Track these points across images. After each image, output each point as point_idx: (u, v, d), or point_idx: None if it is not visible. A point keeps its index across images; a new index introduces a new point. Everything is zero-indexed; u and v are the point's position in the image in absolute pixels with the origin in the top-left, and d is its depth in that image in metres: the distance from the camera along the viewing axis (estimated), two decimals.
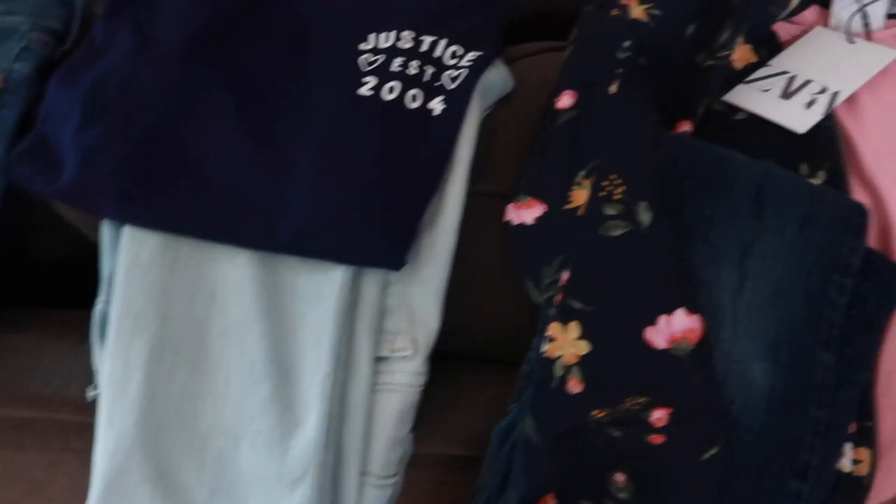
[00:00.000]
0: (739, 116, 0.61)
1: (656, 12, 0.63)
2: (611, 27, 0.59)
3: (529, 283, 0.54)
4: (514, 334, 0.58)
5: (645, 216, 0.50)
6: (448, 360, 0.58)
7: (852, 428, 0.52)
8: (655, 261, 0.49)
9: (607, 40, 0.57)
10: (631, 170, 0.50)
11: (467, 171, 0.56)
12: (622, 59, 0.55)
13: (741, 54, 0.64)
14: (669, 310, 0.48)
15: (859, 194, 0.57)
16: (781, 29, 0.67)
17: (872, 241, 0.56)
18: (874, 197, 0.57)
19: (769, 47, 0.65)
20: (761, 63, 0.64)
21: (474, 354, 0.64)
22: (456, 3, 0.64)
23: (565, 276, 0.51)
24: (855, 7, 0.64)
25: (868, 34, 0.64)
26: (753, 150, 0.59)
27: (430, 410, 0.57)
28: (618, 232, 0.50)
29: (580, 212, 0.52)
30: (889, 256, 0.54)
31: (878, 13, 0.65)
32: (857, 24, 0.66)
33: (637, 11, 0.63)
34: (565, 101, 0.57)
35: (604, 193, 0.51)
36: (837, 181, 0.57)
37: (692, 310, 0.48)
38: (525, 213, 0.55)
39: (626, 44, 0.56)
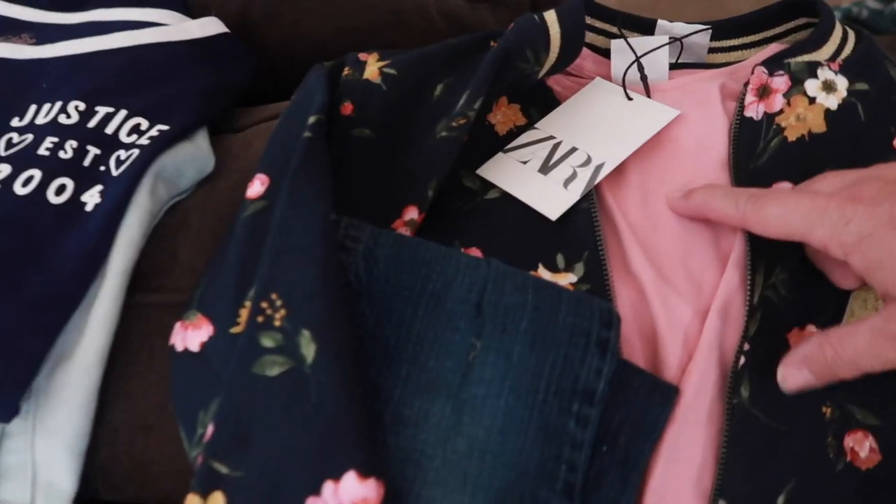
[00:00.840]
0: (491, 195, 0.50)
1: (391, 71, 0.52)
2: (314, 93, 0.48)
3: (182, 435, 0.42)
4: None
5: (308, 350, 0.38)
6: None
7: None
8: (320, 409, 0.38)
9: (305, 109, 0.46)
10: (294, 287, 0.39)
11: (122, 282, 0.44)
12: (305, 137, 0.44)
13: (506, 116, 0.54)
14: (337, 474, 0.37)
15: (622, 291, 0.46)
16: (559, 83, 0.57)
17: (633, 351, 0.45)
18: (638, 294, 0.47)
19: (541, 106, 0.55)
20: (529, 126, 0.54)
21: None
22: (150, 65, 0.52)
23: (210, 429, 0.39)
24: (632, 57, 0.54)
25: (647, 88, 0.54)
26: (503, 238, 0.49)
27: None
28: (275, 371, 0.39)
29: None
30: (651, 372, 0.44)
31: (659, 63, 0.55)
32: (648, 75, 0.56)
33: (371, 70, 0.53)
34: (255, 188, 0.45)
35: (262, 318, 0.39)
36: (596, 277, 0.46)
37: (366, 472, 0.37)
38: (192, 335, 0.43)
39: (312, 119, 0.45)
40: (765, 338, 0.45)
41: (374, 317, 0.41)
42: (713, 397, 0.44)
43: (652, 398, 0.43)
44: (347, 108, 0.50)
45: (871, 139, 0.50)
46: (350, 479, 0.37)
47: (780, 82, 0.51)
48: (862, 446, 0.43)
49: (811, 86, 0.51)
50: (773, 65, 0.52)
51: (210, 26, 0.59)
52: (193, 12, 0.63)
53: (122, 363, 0.45)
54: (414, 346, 0.42)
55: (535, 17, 0.53)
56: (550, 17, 0.53)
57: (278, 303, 0.39)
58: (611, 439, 0.42)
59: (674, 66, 0.57)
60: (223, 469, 0.38)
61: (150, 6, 0.59)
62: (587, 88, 0.55)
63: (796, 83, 0.51)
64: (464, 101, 0.49)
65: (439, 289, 0.42)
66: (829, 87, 0.51)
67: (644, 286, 0.46)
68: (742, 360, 0.44)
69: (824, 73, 0.51)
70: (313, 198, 0.40)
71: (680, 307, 0.46)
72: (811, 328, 0.45)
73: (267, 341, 0.39)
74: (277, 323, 0.39)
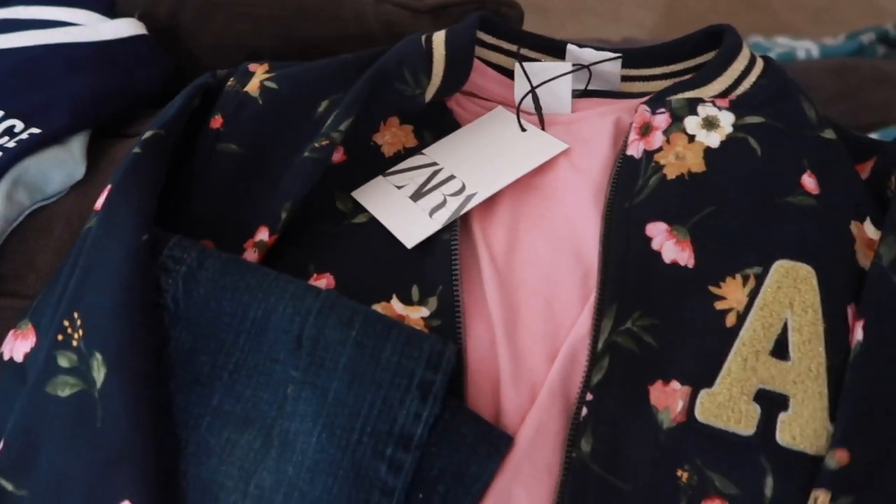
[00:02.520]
0: (360, 219, 0.48)
1: (272, 85, 0.51)
2: (172, 106, 0.47)
3: None
4: None
5: (98, 373, 0.37)
6: None
7: None
8: (103, 435, 0.37)
9: (155, 122, 0.45)
10: (93, 308, 0.38)
11: None
12: (133, 153, 0.43)
13: (395, 137, 0.52)
14: (114, 503, 0.36)
15: (475, 330, 0.44)
16: (461, 105, 0.54)
17: (479, 395, 0.43)
18: (490, 333, 0.44)
19: (437, 129, 0.53)
20: (420, 148, 0.52)
21: None
22: (43, 67, 0.52)
23: (1, 444, 0.38)
24: (529, 86, 0.52)
25: (541, 119, 0.52)
26: (361, 266, 0.47)
27: None
28: (66, 392, 0.38)
29: None
30: (488, 421, 0.41)
31: (560, 92, 0.52)
32: (549, 104, 0.54)
33: (253, 83, 0.51)
34: (102, 199, 0.45)
35: (62, 337, 0.38)
36: (447, 313, 0.44)
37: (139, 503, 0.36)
38: (20, 344, 0.42)
39: (148, 134, 0.44)
40: (614, 388, 0.42)
41: (190, 342, 0.40)
42: (553, 448, 0.42)
43: (478, 448, 0.41)
44: (217, 121, 0.49)
45: (772, 174, 0.46)
46: None
47: (661, 120, 0.48)
48: None
49: (690, 123, 0.48)
50: (656, 102, 0.50)
51: (125, 28, 0.58)
52: (123, 13, 0.63)
53: None
54: (230, 374, 0.41)
55: (422, 37, 0.51)
56: (438, 38, 0.51)
57: (79, 322, 0.38)
58: (427, 488, 0.40)
59: (585, 94, 0.55)
60: (9, 486, 0.38)
61: (71, 5, 0.59)
62: (486, 117, 0.53)
63: (676, 120, 0.48)
64: (331, 121, 0.47)
65: (261, 317, 0.41)
66: (710, 123, 0.48)
67: (495, 326, 0.44)
68: (584, 410, 0.42)
69: (705, 110, 0.49)
70: (126, 216, 0.39)
71: (532, 350, 0.44)
72: (675, 384, 0.42)
73: (63, 361, 0.38)
74: (75, 343, 0.38)
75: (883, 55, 1.05)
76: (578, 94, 0.54)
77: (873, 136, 0.71)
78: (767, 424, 0.40)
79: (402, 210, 0.48)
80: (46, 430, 0.37)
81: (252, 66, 0.53)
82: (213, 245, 0.45)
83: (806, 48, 1.08)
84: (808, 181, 0.46)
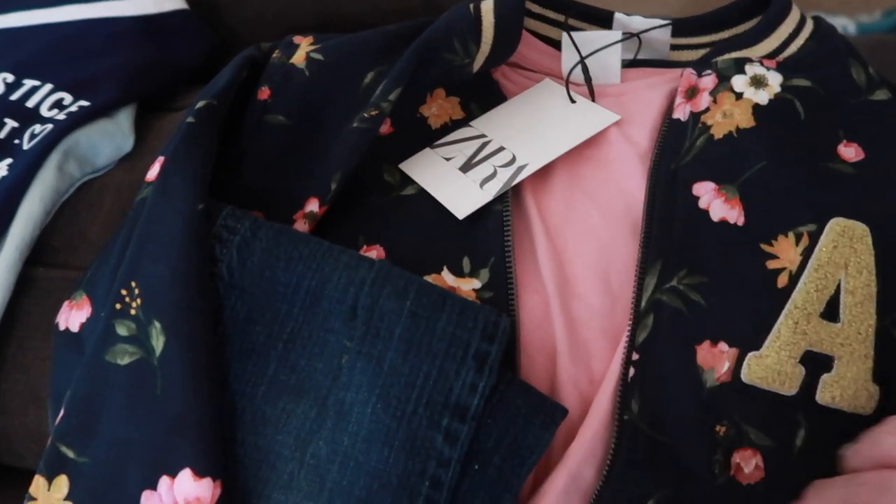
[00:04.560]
0: (408, 191, 0.48)
1: (318, 56, 0.50)
2: (222, 76, 0.47)
3: (49, 413, 0.42)
4: None
5: (157, 342, 0.37)
6: None
7: None
8: (163, 403, 0.37)
9: (205, 92, 0.45)
10: (151, 277, 0.38)
11: (19, 255, 0.44)
12: (187, 122, 0.42)
13: (442, 109, 0.51)
14: (173, 470, 0.36)
15: (529, 302, 0.43)
16: (507, 78, 0.53)
17: (533, 367, 0.43)
18: (545, 306, 0.44)
19: (484, 101, 0.52)
20: (467, 120, 0.51)
21: None
22: (90, 40, 0.52)
23: (62, 411, 0.39)
24: (577, 57, 0.51)
25: (591, 91, 0.51)
26: (411, 238, 0.46)
27: None
28: (126, 360, 0.38)
29: None
30: (543, 392, 0.41)
31: (610, 62, 0.51)
32: (598, 75, 0.53)
33: (299, 55, 0.51)
34: (154, 170, 0.44)
35: (120, 306, 0.38)
36: (500, 285, 0.44)
37: (201, 472, 0.36)
38: (75, 315, 0.42)
39: (200, 104, 0.43)
40: (660, 347, 0.41)
41: (245, 311, 0.40)
42: (604, 414, 0.41)
43: (534, 419, 0.40)
44: (264, 92, 0.49)
45: (813, 139, 0.45)
46: (185, 476, 0.36)
47: (707, 81, 0.48)
48: (748, 463, 0.40)
49: (738, 81, 0.47)
50: (702, 65, 0.49)
51: (165, 2, 0.58)
52: None
53: (19, 336, 0.46)
54: (285, 344, 0.41)
55: (470, 6, 0.50)
56: (486, 5, 0.50)
57: (136, 291, 0.38)
58: (483, 459, 0.40)
59: (634, 63, 0.54)
60: (70, 453, 0.38)
61: None
62: (534, 88, 0.52)
63: (723, 80, 0.47)
64: (379, 91, 0.47)
65: (315, 287, 0.40)
66: (758, 82, 0.47)
67: (549, 299, 0.43)
68: (631, 371, 0.41)
69: (753, 69, 0.47)
70: (182, 186, 0.39)
71: (588, 323, 0.43)
72: (723, 345, 0.41)
73: (122, 329, 0.38)
74: (133, 312, 0.38)
75: None
76: (627, 64, 0.53)
77: None
78: (810, 385, 0.40)
79: (452, 181, 0.47)
80: (107, 398, 0.37)
81: (297, 39, 0.52)
82: (263, 217, 0.45)
83: (841, 24, 1.05)
84: (846, 151, 0.45)
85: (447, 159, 0.49)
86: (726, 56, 0.48)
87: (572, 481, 0.40)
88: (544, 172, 0.48)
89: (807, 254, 0.42)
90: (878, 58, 0.92)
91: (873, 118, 0.47)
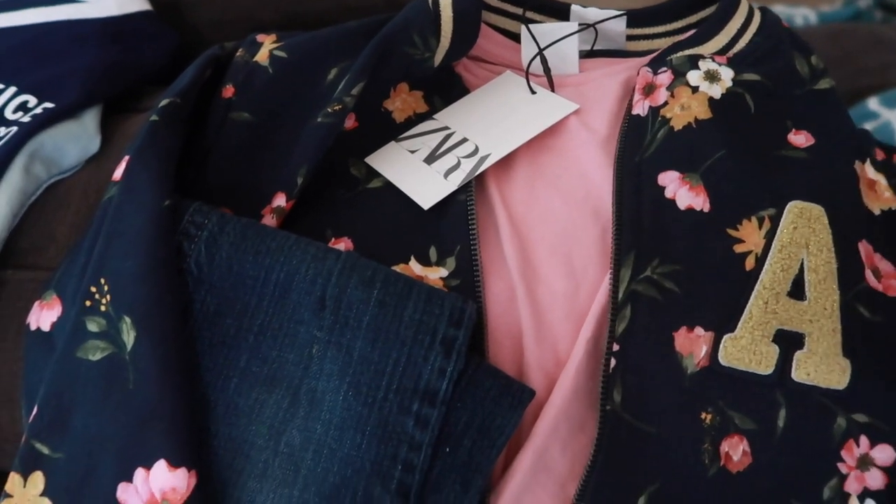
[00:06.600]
0: (374, 184, 0.49)
1: (281, 54, 0.51)
2: (184, 76, 0.47)
3: (23, 413, 0.42)
4: None
5: (128, 337, 0.38)
6: None
7: None
8: (135, 396, 0.37)
9: (169, 91, 0.46)
10: (119, 273, 0.38)
11: None
12: (151, 121, 0.43)
13: (405, 103, 0.52)
14: (148, 462, 0.37)
15: (495, 288, 0.45)
16: (470, 71, 0.55)
17: (500, 351, 0.44)
18: (510, 291, 0.45)
19: (447, 95, 0.53)
20: (431, 114, 0.52)
21: None
22: (52, 42, 0.52)
23: (35, 408, 0.39)
24: (536, 49, 0.52)
25: (550, 81, 0.52)
26: (378, 229, 0.47)
27: None
28: (97, 356, 0.38)
29: None
30: (509, 375, 0.42)
31: (568, 53, 0.53)
32: (557, 66, 0.54)
33: (262, 53, 0.52)
34: (120, 169, 0.45)
35: (89, 302, 0.39)
36: (466, 272, 0.45)
37: (176, 462, 0.37)
38: (45, 314, 0.42)
39: (164, 102, 0.44)
40: (639, 336, 0.43)
41: (214, 305, 0.41)
42: (587, 404, 0.43)
43: (502, 401, 0.41)
44: (229, 90, 0.49)
45: (765, 129, 0.47)
46: (160, 467, 0.37)
47: (664, 78, 0.49)
48: (736, 450, 0.42)
49: (693, 76, 0.49)
50: (657, 63, 0.50)
51: (129, 4, 0.58)
52: None
53: None
54: (256, 335, 0.42)
55: (429, 0, 0.51)
56: (445, 0, 0.51)
57: (105, 287, 0.39)
58: (454, 441, 0.41)
59: (592, 54, 0.55)
60: (45, 449, 0.38)
61: None
62: (495, 80, 0.53)
63: (678, 76, 0.49)
64: (342, 86, 0.48)
65: (283, 279, 0.41)
66: (712, 76, 0.49)
67: (515, 285, 0.45)
68: (613, 361, 0.43)
69: (706, 65, 0.49)
70: (147, 182, 0.40)
71: (552, 307, 0.45)
72: (699, 330, 0.43)
73: (92, 325, 0.39)
74: (103, 308, 0.38)
75: (880, 20, 1.06)
76: (585, 55, 0.54)
77: (872, 99, 0.72)
78: (785, 363, 0.42)
79: (416, 173, 0.48)
80: (79, 394, 0.38)
81: (260, 37, 0.53)
82: (231, 213, 0.46)
83: (803, 14, 1.08)
84: (796, 138, 0.47)
85: (412, 152, 0.50)
86: (680, 54, 0.50)
87: (539, 459, 0.41)
88: (507, 162, 0.49)
89: (770, 236, 0.44)
90: (839, 44, 0.95)
91: (818, 106, 0.49)
